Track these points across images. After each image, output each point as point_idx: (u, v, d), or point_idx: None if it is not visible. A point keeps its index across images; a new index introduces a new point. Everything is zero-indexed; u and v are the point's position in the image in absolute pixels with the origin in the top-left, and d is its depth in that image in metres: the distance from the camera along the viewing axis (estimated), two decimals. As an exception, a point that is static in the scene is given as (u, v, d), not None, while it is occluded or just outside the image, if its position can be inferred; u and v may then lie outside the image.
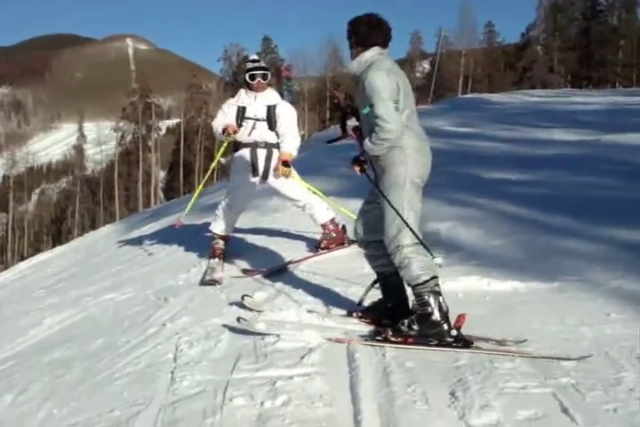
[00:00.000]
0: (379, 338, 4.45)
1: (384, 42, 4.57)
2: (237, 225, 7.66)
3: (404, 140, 4.42)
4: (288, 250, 7.48)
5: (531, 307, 4.89)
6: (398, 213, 4.41)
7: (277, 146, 6.98)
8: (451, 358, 4.00)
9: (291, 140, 6.95)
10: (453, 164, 11.52)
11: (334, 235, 7.24)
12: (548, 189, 8.99)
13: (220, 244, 7.31)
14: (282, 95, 24.72)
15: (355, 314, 4.96)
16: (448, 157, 12.39)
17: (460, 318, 4.29)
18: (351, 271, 6.23)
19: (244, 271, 6.91)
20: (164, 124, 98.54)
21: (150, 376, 4.27)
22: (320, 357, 4.17)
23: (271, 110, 6.98)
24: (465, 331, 4.32)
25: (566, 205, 7.79)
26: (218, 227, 7.27)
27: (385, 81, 4.34)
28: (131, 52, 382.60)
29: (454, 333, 4.27)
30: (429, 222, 7.72)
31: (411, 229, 4.42)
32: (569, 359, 3.81)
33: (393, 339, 4.39)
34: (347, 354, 4.21)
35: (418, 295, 4.40)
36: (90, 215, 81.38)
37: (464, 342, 4.24)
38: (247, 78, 7.01)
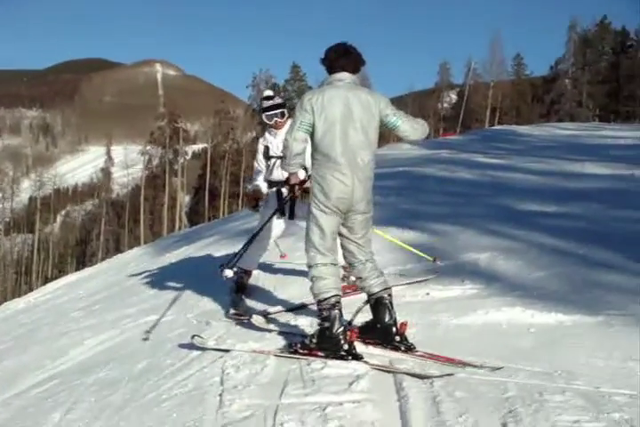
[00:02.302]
0: (291, 350, 4.91)
1: (353, 68, 4.96)
2: (262, 260, 7.56)
3: (315, 169, 4.87)
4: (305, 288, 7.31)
5: (577, 340, 4.85)
6: (307, 235, 4.95)
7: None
8: (499, 388, 3.97)
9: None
10: (487, 195, 11.57)
11: (353, 279, 7.11)
12: (585, 222, 8.98)
13: (244, 278, 7.15)
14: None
15: (349, 333, 4.96)
16: (482, 188, 12.47)
17: (352, 333, 4.70)
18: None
19: (265, 315, 6.40)
20: (191, 149, 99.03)
21: (198, 399, 4.28)
22: (368, 384, 4.17)
23: None
24: (509, 363, 4.34)
25: (605, 239, 7.78)
26: (243, 261, 6.97)
27: (300, 105, 4.82)
28: (159, 77, 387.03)
29: (346, 347, 4.65)
30: (468, 252, 7.77)
31: (318, 249, 4.87)
32: (622, 394, 3.79)
33: (301, 351, 4.82)
34: (394, 382, 4.21)
35: (319, 311, 4.80)
36: (114, 238, 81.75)
37: (354, 356, 4.61)
38: (265, 119, 6.91)
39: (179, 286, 8.23)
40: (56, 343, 7.17)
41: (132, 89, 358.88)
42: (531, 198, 11.07)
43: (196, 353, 5.33)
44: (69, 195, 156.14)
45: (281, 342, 5.30)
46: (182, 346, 5.63)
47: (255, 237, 6.87)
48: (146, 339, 6.23)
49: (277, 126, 6.84)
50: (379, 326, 5.00)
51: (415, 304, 6.11)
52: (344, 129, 4.75)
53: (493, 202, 10.96)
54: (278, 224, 6.97)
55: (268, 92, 7.08)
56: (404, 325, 4.91)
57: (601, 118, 61.88)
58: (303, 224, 6.09)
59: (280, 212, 6.74)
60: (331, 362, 4.58)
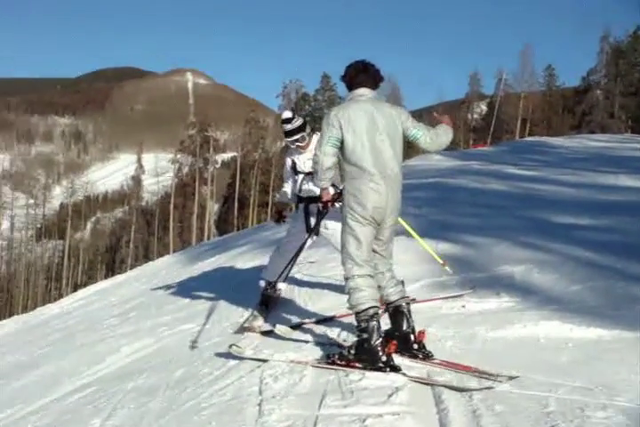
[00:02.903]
0: (328, 361, 4.94)
1: (372, 83, 5.15)
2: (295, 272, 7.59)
3: (349, 182, 4.97)
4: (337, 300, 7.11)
5: (617, 356, 4.80)
6: (344, 247, 5.00)
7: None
8: (540, 403, 3.94)
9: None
10: (521, 207, 11.51)
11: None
12: (621, 235, 8.89)
13: (270, 291, 7.09)
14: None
15: (387, 345, 5.05)
16: (515, 200, 12.41)
17: (390, 345, 4.74)
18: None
19: (298, 325, 6.41)
20: (220, 158, 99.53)
21: (237, 408, 4.31)
22: (407, 396, 4.17)
23: None
24: (548, 377, 4.32)
25: (641, 253, 7.71)
26: (269, 274, 7.03)
27: (327, 120, 4.97)
28: (190, 86, 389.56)
29: (384, 358, 4.67)
30: (503, 265, 7.73)
31: (355, 260, 4.91)
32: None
33: (338, 362, 4.85)
34: (433, 394, 4.20)
35: (357, 322, 4.84)
36: (144, 245, 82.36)
37: (392, 368, 4.63)
38: (288, 143, 6.89)
39: (212, 295, 8.28)
40: (93, 350, 7.25)
41: (163, 97, 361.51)
42: (564, 211, 11.00)
43: (233, 362, 5.37)
44: (100, 202, 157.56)
45: (318, 352, 5.32)
46: (219, 355, 5.66)
47: (281, 248, 6.93)
48: (194, 347, 6.25)
49: (304, 148, 6.77)
50: (397, 333, 5.09)
51: (451, 317, 6.09)
52: (372, 141, 4.91)
53: (526, 214, 10.90)
54: (303, 238, 6.79)
55: (287, 115, 6.91)
56: (422, 333, 5.02)
57: (633, 130, 61.27)
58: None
59: (308, 229, 6.69)
60: (369, 373, 4.59)
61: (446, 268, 7.49)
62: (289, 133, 6.70)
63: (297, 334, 5.95)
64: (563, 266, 7.44)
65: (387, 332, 5.10)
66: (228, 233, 30.04)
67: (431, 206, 12.52)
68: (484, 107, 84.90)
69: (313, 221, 6.71)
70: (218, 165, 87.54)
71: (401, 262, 8.12)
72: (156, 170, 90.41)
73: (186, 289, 9.47)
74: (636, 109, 65.70)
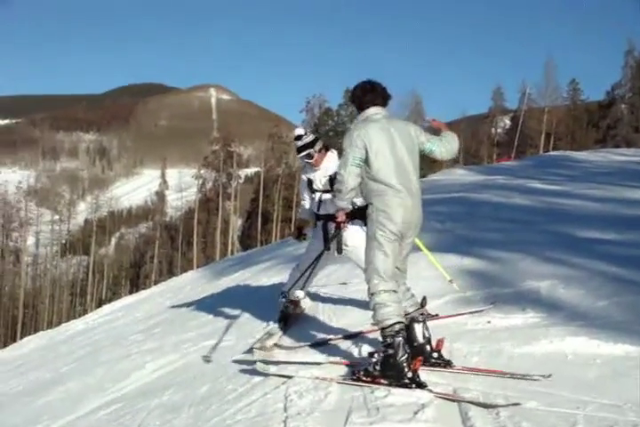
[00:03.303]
0: (353, 378, 4.93)
1: (382, 101, 5.26)
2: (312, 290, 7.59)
3: (377, 199, 4.98)
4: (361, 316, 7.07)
5: (645, 372, 4.76)
6: (371, 263, 4.98)
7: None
8: (568, 421, 3.90)
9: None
10: (546, 222, 11.43)
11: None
12: (648, 250, 8.81)
13: (290, 309, 7.13)
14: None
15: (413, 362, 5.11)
16: (540, 215, 12.33)
17: (417, 362, 4.71)
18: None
19: (319, 343, 6.37)
20: (244, 173, 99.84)
21: (262, 425, 4.30)
22: (433, 413, 4.14)
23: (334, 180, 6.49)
24: (576, 394, 4.28)
25: (670, 268, 7.62)
26: (289, 291, 6.98)
27: (350, 141, 5.02)
28: (214, 101, 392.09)
29: (410, 375, 4.67)
30: (528, 280, 7.67)
31: (382, 276, 4.91)
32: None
33: (364, 378, 4.84)
34: (459, 411, 4.17)
35: (383, 338, 4.85)
36: (167, 261, 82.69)
37: (418, 384, 4.62)
38: (299, 159, 6.93)
39: (237, 310, 8.29)
40: (118, 366, 7.28)
41: (187, 113, 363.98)
42: (589, 225, 10.91)
43: (257, 379, 5.36)
44: (124, 217, 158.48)
45: (343, 369, 5.30)
46: (244, 371, 5.66)
47: (300, 267, 6.91)
48: (208, 361, 6.27)
49: (317, 163, 6.77)
50: (415, 344, 5.11)
51: (477, 332, 6.05)
52: (395, 159, 5.02)
53: (551, 229, 10.82)
54: (325, 257, 6.74)
55: (298, 131, 6.94)
56: (440, 342, 5.06)
57: (658, 144, 60.86)
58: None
59: (326, 247, 6.52)
60: (395, 390, 4.56)
61: (454, 285, 7.46)
62: (299, 150, 6.75)
63: (322, 350, 5.95)
64: (589, 281, 7.37)
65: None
66: (251, 248, 30.06)
67: (455, 221, 12.48)
68: (507, 121, 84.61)
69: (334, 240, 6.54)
70: (241, 181, 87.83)
71: (425, 278, 8.13)
72: (180, 185, 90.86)
73: (210, 305, 9.49)
74: (661, 124, 65.26)
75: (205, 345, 7.07)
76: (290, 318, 7.12)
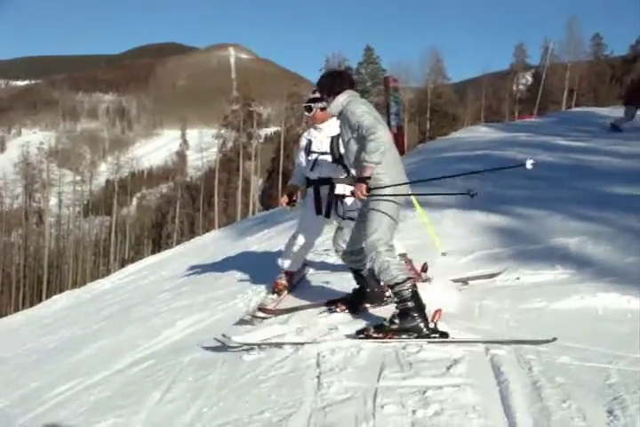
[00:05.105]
0: (361, 336, 5.00)
1: (350, 86, 5.41)
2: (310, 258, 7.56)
3: (390, 168, 5.13)
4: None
5: (677, 326, 4.75)
6: (377, 231, 5.07)
7: (343, 181, 6.32)
8: (601, 375, 3.92)
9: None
10: (573, 178, 11.35)
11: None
12: (676, 205, 8.74)
13: (284, 279, 6.98)
14: (388, 106, 24.41)
15: (334, 307, 5.92)
16: (567, 171, 12.23)
17: (436, 313, 4.88)
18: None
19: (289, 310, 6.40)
20: (264, 133, 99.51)
21: (296, 380, 4.34)
22: (466, 368, 4.17)
23: (334, 141, 6.35)
24: (609, 349, 4.29)
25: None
26: (284, 261, 6.95)
27: (366, 109, 5.12)
28: (232, 60, 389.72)
29: (432, 325, 4.85)
30: (556, 237, 7.64)
31: (387, 243, 5.08)
32: None
33: (375, 335, 4.93)
34: (492, 366, 4.19)
35: (397, 293, 4.97)
36: (189, 221, 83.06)
37: (441, 334, 4.80)
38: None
39: (264, 269, 8.30)
40: (148, 323, 7.36)
41: (206, 73, 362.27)
42: (616, 181, 10.80)
43: (290, 335, 5.40)
44: (145, 178, 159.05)
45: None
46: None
47: (295, 236, 6.86)
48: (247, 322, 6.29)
49: (314, 119, 6.51)
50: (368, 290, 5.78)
51: (506, 289, 6.05)
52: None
53: (578, 185, 10.74)
54: (318, 223, 6.71)
55: (314, 95, 6.41)
56: (437, 312, 4.96)
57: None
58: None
59: (325, 214, 6.53)
60: (426, 346, 4.60)
61: (443, 252, 7.29)
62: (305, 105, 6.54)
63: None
64: (617, 237, 7.33)
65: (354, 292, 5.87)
66: (272, 208, 30.06)
67: (481, 179, 12.39)
68: (529, 77, 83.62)
69: (324, 204, 6.54)
70: (261, 140, 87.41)
71: (454, 236, 8.12)
72: (200, 145, 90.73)
73: (236, 264, 9.53)
74: (686, 77, 64.20)
75: (235, 303, 7.13)
76: (286, 289, 6.98)
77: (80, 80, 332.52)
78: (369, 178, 4.98)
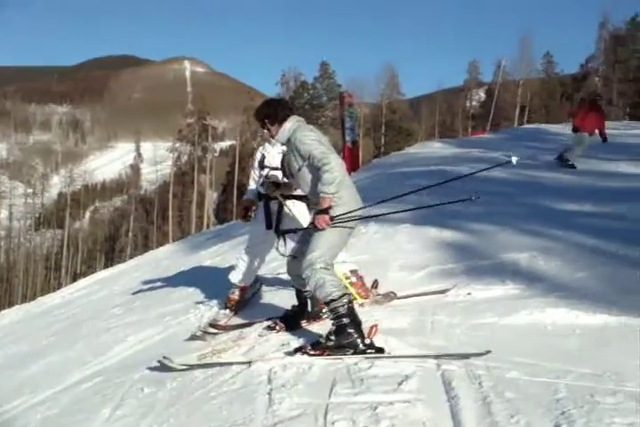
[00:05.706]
0: (298, 354, 4.98)
1: (290, 111, 5.50)
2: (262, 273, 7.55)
3: (345, 190, 5.18)
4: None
5: (624, 342, 4.83)
6: (324, 248, 5.07)
7: (291, 197, 6.37)
8: (550, 390, 3.97)
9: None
10: (524, 194, 11.53)
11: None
12: (624, 221, 8.93)
13: (236, 294, 6.94)
14: (343, 121, 24.50)
15: (274, 325, 5.88)
16: (517, 187, 12.42)
17: (372, 328, 4.97)
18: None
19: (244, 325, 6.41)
20: (219, 146, 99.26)
21: (247, 397, 4.32)
22: (417, 383, 4.18)
23: (285, 158, 5.97)
24: (557, 364, 4.35)
25: (644, 239, 7.71)
26: (236, 276, 6.92)
27: (315, 136, 5.19)
28: (188, 74, 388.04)
29: (367, 341, 4.87)
30: (507, 252, 7.75)
31: (327, 262, 5.06)
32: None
33: (311, 352, 4.93)
34: (442, 382, 4.22)
35: (333, 310, 4.96)
36: (143, 234, 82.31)
37: (377, 350, 4.82)
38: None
39: (216, 283, 8.26)
40: (98, 339, 7.27)
41: (161, 86, 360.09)
42: (566, 198, 11.01)
43: (241, 350, 5.37)
44: (98, 191, 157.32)
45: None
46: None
47: (246, 250, 6.85)
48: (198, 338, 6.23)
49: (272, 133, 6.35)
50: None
51: (457, 304, 6.12)
52: None
53: (529, 201, 10.91)
54: (269, 237, 6.54)
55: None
56: (372, 327, 5.03)
57: (631, 117, 61.12)
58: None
59: (269, 226, 6.54)
60: (378, 362, 4.61)
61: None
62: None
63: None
64: (567, 253, 7.47)
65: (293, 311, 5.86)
66: (227, 222, 29.88)
67: (434, 194, 12.47)
68: (482, 94, 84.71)
69: (273, 219, 6.58)
70: (216, 154, 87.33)
71: (408, 251, 8.18)
72: (155, 159, 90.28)
73: (189, 278, 9.47)
74: (634, 96, 65.51)
75: (187, 318, 7.08)
76: (238, 304, 6.95)
77: (33, 91, 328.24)
78: (330, 208, 5.04)
